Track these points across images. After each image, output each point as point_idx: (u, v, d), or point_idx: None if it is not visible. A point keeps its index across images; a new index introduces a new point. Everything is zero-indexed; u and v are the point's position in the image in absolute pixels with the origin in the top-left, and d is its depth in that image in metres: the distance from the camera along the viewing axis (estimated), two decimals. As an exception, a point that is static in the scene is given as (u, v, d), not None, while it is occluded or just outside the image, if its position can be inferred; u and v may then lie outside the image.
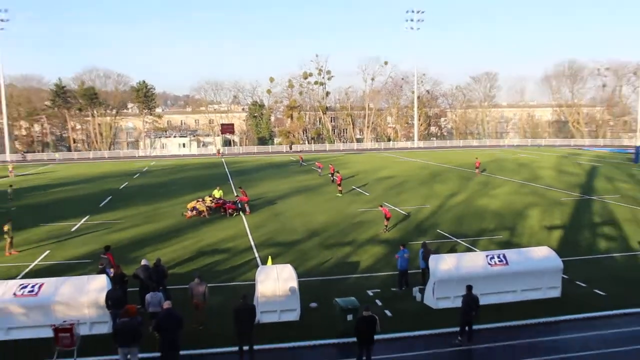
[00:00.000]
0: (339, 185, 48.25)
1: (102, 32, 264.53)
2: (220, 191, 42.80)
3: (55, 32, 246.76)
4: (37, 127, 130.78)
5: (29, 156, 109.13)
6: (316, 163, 69.84)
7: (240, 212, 38.13)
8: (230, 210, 38.05)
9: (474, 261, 20.37)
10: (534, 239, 29.72)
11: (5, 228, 28.40)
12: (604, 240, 29.38)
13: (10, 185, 47.52)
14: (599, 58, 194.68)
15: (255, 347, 15.95)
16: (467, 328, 16.58)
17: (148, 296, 17.53)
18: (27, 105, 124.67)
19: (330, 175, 56.42)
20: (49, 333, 16.06)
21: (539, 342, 16.78)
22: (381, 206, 34.69)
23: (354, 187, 51.50)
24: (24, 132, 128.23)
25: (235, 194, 43.54)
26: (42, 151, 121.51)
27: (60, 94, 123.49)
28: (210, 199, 39.58)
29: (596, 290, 21.11)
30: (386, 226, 32.06)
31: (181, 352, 15.34)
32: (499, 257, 20.48)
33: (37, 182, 62.96)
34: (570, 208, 38.78)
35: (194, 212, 37.75)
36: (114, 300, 17.07)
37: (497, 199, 43.01)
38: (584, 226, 32.93)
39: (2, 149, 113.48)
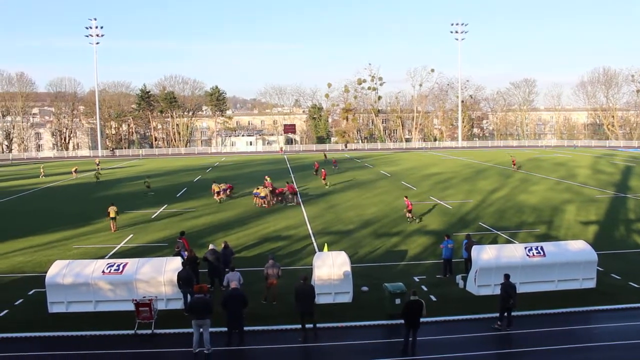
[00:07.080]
0: (324, 179, 49.72)
1: (182, 46, 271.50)
2: (269, 178, 44.19)
3: (142, 45, 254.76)
4: (124, 127, 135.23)
5: (117, 152, 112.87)
6: (332, 160, 69.97)
7: (298, 203, 38.18)
8: (283, 195, 39.00)
9: (513, 252, 19.76)
10: (570, 233, 28.60)
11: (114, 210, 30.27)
12: (638, 236, 27.99)
13: (148, 177, 51.10)
14: (633, 65, 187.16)
15: (315, 325, 15.87)
16: (506, 314, 16.05)
17: (229, 275, 17.44)
18: (117, 108, 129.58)
19: (314, 172, 58.00)
20: (130, 307, 16.46)
21: (573, 330, 16.09)
22: (406, 197, 34.13)
23: (402, 182, 50.88)
24: (113, 131, 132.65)
25: (287, 183, 43.88)
26: (128, 148, 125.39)
27: (145, 98, 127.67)
28: (266, 187, 39.78)
29: (631, 283, 20.08)
30: (409, 217, 31.51)
31: (246, 328, 15.44)
32: (536, 249, 19.81)
33: (124, 175, 64.87)
34: (605, 204, 37.15)
35: (257, 198, 38.18)
36: (184, 280, 17.28)
37: (535, 195, 41.64)
38: (618, 222, 31.46)
39: (95, 145, 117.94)
